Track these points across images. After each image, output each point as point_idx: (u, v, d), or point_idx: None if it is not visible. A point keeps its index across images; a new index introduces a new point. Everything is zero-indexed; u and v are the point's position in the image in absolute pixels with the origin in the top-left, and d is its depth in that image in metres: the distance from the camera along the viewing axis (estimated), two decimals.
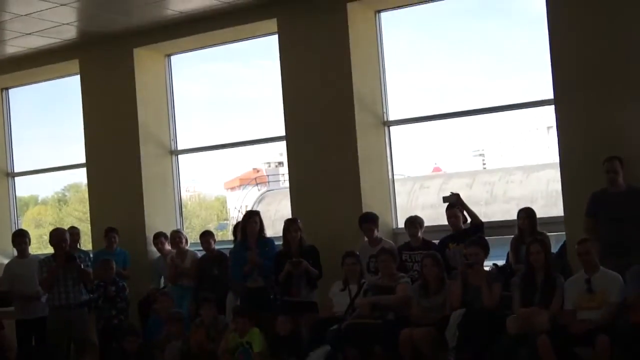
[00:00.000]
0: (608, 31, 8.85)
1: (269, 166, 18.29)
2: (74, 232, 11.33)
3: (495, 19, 11.43)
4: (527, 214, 8.94)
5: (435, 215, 11.17)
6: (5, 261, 11.16)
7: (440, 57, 11.72)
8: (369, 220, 9.66)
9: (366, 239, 9.72)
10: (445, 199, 9.40)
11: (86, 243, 12.29)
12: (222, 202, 18.65)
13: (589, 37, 8.94)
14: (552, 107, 9.34)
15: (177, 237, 10.92)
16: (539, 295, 7.86)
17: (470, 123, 11.10)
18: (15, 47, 12.43)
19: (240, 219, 10.57)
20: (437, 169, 15.00)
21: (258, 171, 18.01)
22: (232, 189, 18.29)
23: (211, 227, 15.60)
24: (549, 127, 13.64)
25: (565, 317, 7.59)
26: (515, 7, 11.16)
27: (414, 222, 9.49)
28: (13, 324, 9.81)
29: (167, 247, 11.18)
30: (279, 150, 14.38)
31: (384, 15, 10.81)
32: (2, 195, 14.07)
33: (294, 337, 8.72)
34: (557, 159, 9.35)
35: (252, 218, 9.69)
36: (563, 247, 8.94)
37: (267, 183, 17.68)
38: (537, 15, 9.41)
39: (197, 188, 17.70)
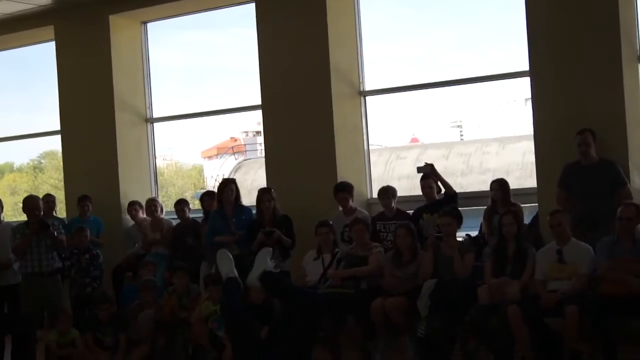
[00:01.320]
0: (583, 3, 8.84)
1: (247, 135, 18.26)
2: (50, 199, 11.29)
3: None
4: (499, 184, 8.96)
5: (411, 186, 11.21)
6: None
7: (418, 28, 11.75)
8: (344, 190, 9.66)
9: (340, 208, 9.71)
10: (419, 169, 9.41)
11: (61, 211, 12.22)
12: (199, 171, 18.62)
13: (565, 9, 8.93)
14: (528, 78, 9.34)
15: (152, 205, 10.90)
16: (510, 265, 7.89)
17: (448, 94, 11.14)
18: None
19: (216, 187, 10.53)
20: (414, 140, 15.02)
21: (235, 140, 17.98)
22: (210, 157, 18.25)
23: (188, 195, 15.58)
24: (526, 99, 13.68)
25: (535, 287, 7.63)
26: None
27: (386, 192, 9.49)
28: None
29: (141, 215, 11.15)
30: (257, 120, 14.32)
31: None
32: None
33: (266, 306, 8.71)
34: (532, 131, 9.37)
35: (228, 186, 9.65)
36: (535, 218, 8.97)
37: (244, 152, 17.65)
38: None
39: (174, 156, 17.68)
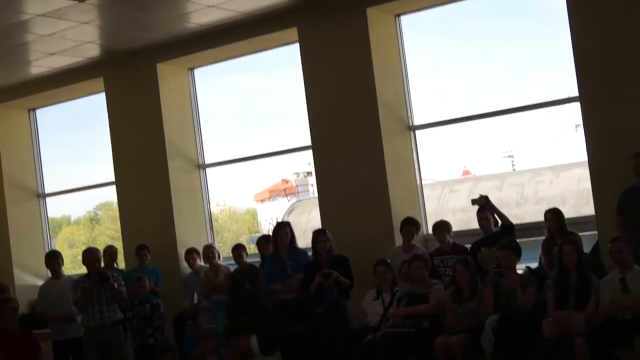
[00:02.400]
0: (630, 26, 8.76)
1: (298, 176, 18.28)
2: (112, 250, 11.40)
3: (516, 19, 11.34)
4: (553, 214, 8.86)
5: (466, 219, 11.09)
6: (40, 283, 11.18)
7: (463, 58, 11.65)
8: (411, 224, 9.66)
9: (399, 244, 9.66)
10: (474, 202, 9.33)
11: (120, 261, 12.29)
12: (253, 215, 18.64)
13: (611, 33, 8.85)
14: (578, 104, 9.25)
15: (209, 252, 10.90)
16: (573, 296, 7.75)
17: (498, 124, 11.02)
18: (40, 67, 12.52)
19: (271, 231, 10.54)
20: (466, 172, 14.90)
21: (287, 182, 18.00)
22: (262, 201, 18.28)
23: (243, 240, 15.59)
24: (577, 125, 13.51)
25: (601, 318, 7.47)
26: (536, 5, 11.07)
27: (440, 227, 9.45)
28: (50, 346, 9.82)
29: (199, 262, 11.19)
30: (307, 160, 14.35)
31: (403, 19, 10.76)
32: (34, 217, 14.15)
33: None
34: (586, 157, 9.25)
35: (282, 229, 9.65)
36: (596, 247, 8.82)
37: (296, 193, 17.66)
38: (558, 13, 9.32)
39: (227, 201, 17.73)
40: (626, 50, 8.77)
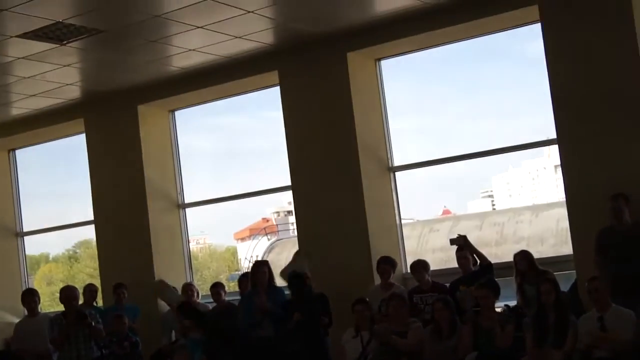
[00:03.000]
0: (606, 70, 8.90)
1: (278, 215, 18.29)
2: (92, 288, 11.38)
3: (495, 62, 11.50)
4: (523, 256, 9.03)
5: (446, 258, 11.14)
6: (17, 321, 11.12)
7: (442, 101, 11.79)
8: (387, 263, 9.70)
9: (377, 282, 9.70)
10: (452, 242, 9.40)
11: (98, 299, 12.23)
12: (233, 253, 18.62)
13: (588, 77, 9.00)
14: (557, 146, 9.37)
15: (188, 289, 10.92)
16: (552, 335, 7.79)
17: (478, 164, 11.11)
18: (20, 108, 12.57)
19: (250, 269, 10.56)
20: (446, 212, 14.98)
21: (267, 221, 18.01)
22: (243, 239, 18.26)
23: (223, 278, 15.57)
24: (556, 166, 13.64)
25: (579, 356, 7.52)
26: (514, 49, 11.24)
27: (418, 266, 9.51)
28: None
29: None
30: (288, 199, 14.39)
31: (384, 63, 10.90)
32: (12, 255, 14.11)
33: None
34: (564, 198, 9.35)
35: (260, 268, 9.66)
36: (574, 286, 8.90)
37: (276, 232, 17.66)
38: (536, 57, 9.48)
39: (207, 240, 17.72)
40: (602, 93, 8.90)
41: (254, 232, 17.83)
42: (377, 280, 9.91)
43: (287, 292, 9.69)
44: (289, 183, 11.14)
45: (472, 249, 9.31)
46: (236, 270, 17.47)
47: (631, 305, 7.63)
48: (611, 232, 8.38)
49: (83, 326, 9.13)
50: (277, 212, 18.30)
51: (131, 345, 10.00)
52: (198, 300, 10.92)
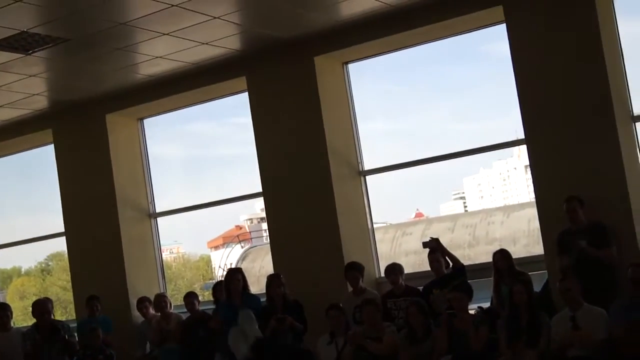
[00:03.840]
0: (573, 69, 8.94)
1: (251, 222, 18.24)
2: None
3: (461, 63, 11.53)
4: (502, 255, 8.95)
5: (419, 261, 11.15)
6: None
7: (411, 103, 11.81)
8: (355, 269, 9.64)
9: (350, 289, 9.67)
10: (425, 245, 9.38)
11: (71, 311, 12.16)
12: (207, 262, 18.56)
13: (555, 76, 9.04)
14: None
15: (162, 300, 10.83)
16: (525, 335, 7.81)
17: (449, 166, 11.13)
18: None
19: (223, 277, 10.50)
20: (419, 215, 15.00)
21: (241, 228, 17.95)
22: (216, 247, 18.20)
23: (197, 287, 15.52)
24: (526, 166, 13.69)
25: (552, 355, 7.53)
26: (481, 50, 11.28)
27: (393, 269, 9.47)
28: None
29: (152, 311, 11.09)
30: (261, 206, 14.32)
31: (351, 66, 10.89)
32: None
33: None
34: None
35: (234, 275, 9.59)
36: (546, 285, 8.92)
37: (250, 240, 17.61)
38: (504, 58, 9.50)
39: (181, 249, 17.64)
40: (569, 93, 8.94)
41: (227, 240, 17.77)
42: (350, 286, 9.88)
43: (262, 299, 9.65)
44: (260, 190, 11.09)
45: (444, 252, 9.30)
46: (210, 279, 17.41)
47: (601, 304, 7.67)
48: (569, 234, 8.45)
49: (56, 340, 9.05)
50: (250, 219, 18.24)
51: (105, 358, 9.92)
52: (171, 311, 10.84)
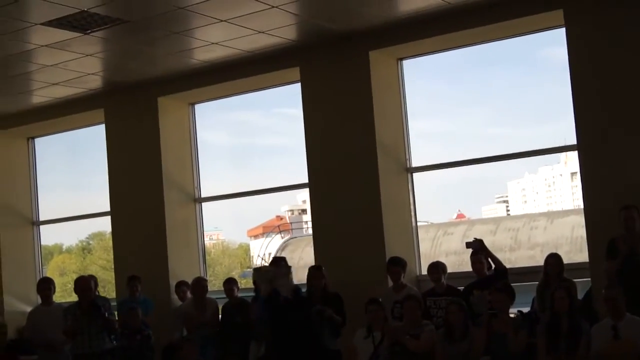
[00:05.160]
0: (631, 76, 8.87)
1: (292, 214, 18.31)
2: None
3: (516, 66, 11.49)
4: (556, 260, 8.84)
5: (459, 262, 11.14)
6: (30, 309, 11.15)
7: (462, 103, 11.78)
8: (398, 264, 9.63)
9: (390, 285, 9.68)
10: (468, 245, 9.35)
11: (110, 291, 12.29)
12: (246, 250, 18.66)
13: (612, 83, 8.98)
14: (575, 153, 9.35)
15: (200, 285, 10.82)
16: (564, 342, 7.76)
17: (494, 169, 11.10)
18: (41, 97, 12.60)
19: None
20: (460, 216, 14.97)
21: (281, 219, 18.02)
22: (256, 236, 18.28)
23: (235, 274, 15.59)
24: (572, 173, 13.59)
25: None
26: (536, 53, 11.22)
27: (437, 267, 9.44)
28: None
29: (189, 295, 11.16)
30: (302, 198, 14.39)
31: (405, 63, 10.90)
32: (27, 244, 14.16)
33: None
34: (581, 205, 9.32)
35: (278, 264, 9.66)
36: (589, 293, 8.86)
37: (290, 231, 17.67)
38: (559, 61, 9.46)
39: (220, 236, 17.74)
40: (626, 100, 8.88)
41: (267, 230, 17.85)
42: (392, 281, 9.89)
43: (302, 289, 9.68)
44: (305, 181, 11.13)
45: (487, 253, 9.26)
46: (248, 268, 17.50)
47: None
48: (621, 241, 8.35)
49: (96, 317, 9.16)
50: (291, 210, 18.31)
51: (143, 338, 10.01)
52: (207, 296, 10.93)
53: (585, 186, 9.16)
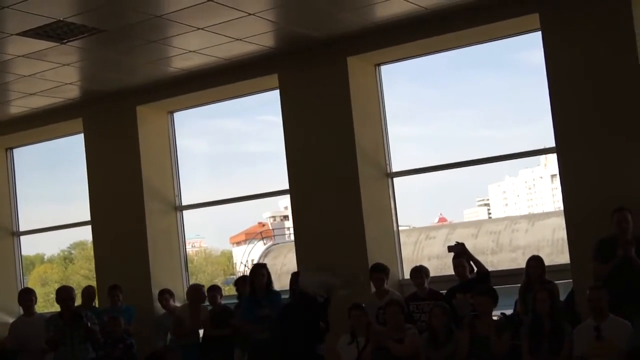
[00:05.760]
0: (607, 79, 8.92)
1: (274, 220, 18.33)
2: (91, 290, 11.36)
3: (494, 70, 11.56)
4: (538, 262, 8.88)
5: (441, 266, 11.17)
6: (11, 320, 11.08)
7: (441, 107, 11.83)
8: (381, 271, 9.63)
9: (373, 290, 9.68)
10: (450, 249, 9.37)
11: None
12: (228, 257, 18.67)
13: (589, 86, 9.01)
14: (555, 155, 9.39)
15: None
16: (547, 343, 7.80)
17: (475, 172, 11.14)
18: (18, 107, 12.52)
19: (246, 273, 10.52)
20: (442, 219, 15.01)
21: (263, 225, 18.04)
22: (238, 243, 18.30)
23: (218, 281, 15.59)
24: (552, 176, 13.64)
25: None
26: (515, 57, 11.30)
27: (419, 271, 9.45)
28: None
29: (172, 303, 11.16)
30: (284, 204, 14.38)
31: (383, 68, 10.91)
32: (8, 254, 14.06)
33: None
34: (562, 207, 9.35)
35: (259, 270, 9.67)
36: (571, 295, 8.90)
37: (272, 237, 17.69)
38: (536, 65, 9.51)
39: (203, 243, 17.75)
40: (603, 102, 8.93)
41: (249, 237, 17.86)
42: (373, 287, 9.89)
43: (284, 296, 9.68)
44: (286, 187, 11.12)
45: (469, 257, 9.28)
46: (231, 275, 17.50)
47: (628, 317, 7.63)
48: (611, 242, 8.32)
49: (79, 327, 9.12)
50: (274, 217, 18.35)
51: (125, 347, 9.97)
52: (176, 305, 10.92)
53: (565, 188, 9.18)
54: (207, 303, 10.61)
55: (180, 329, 10.32)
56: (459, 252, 9.29)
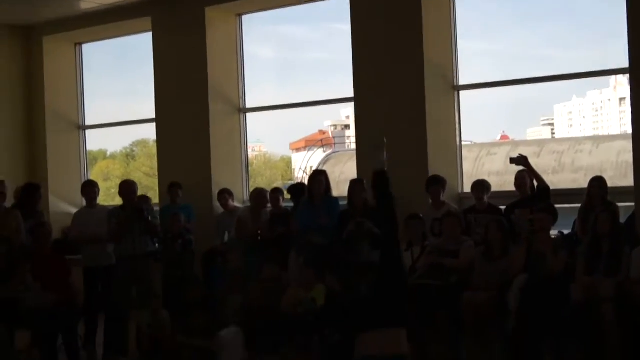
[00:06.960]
0: None
1: (335, 129, 18.34)
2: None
3: None
4: (601, 183, 8.75)
5: (501, 182, 11.12)
6: (74, 211, 11.32)
7: (512, 23, 11.63)
8: (437, 183, 9.64)
9: (430, 201, 9.70)
10: (512, 160, 9.27)
11: (154, 198, 12.41)
12: (287, 163, 18.77)
13: None
14: (626, 78, 9.18)
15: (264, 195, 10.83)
16: (604, 264, 7.78)
17: (542, 91, 10.99)
18: (89, 3, 12.58)
19: (304, 179, 10.57)
20: (504, 137, 14.89)
21: (324, 133, 18.07)
22: (298, 149, 18.38)
23: (276, 186, 15.71)
24: (621, 99, 13.39)
25: (630, 286, 7.49)
26: None
27: (482, 185, 9.42)
28: (81, 272, 9.93)
29: (231, 203, 11.30)
30: (346, 114, 14.36)
31: None
32: (74, 148, 14.31)
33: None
34: (629, 131, 9.20)
35: (318, 177, 9.70)
36: (632, 218, 8.81)
37: (332, 145, 17.71)
38: None
39: (263, 148, 17.86)
40: None
41: (310, 144, 17.90)
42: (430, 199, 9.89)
43: (342, 202, 9.73)
44: (350, 95, 11.08)
45: (531, 170, 9.20)
46: (289, 180, 17.62)
47: None
48: None
49: (140, 220, 9.31)
50: (335, 125, 18.35)
51: (184, 243, 10.17)
52: (235, 205, 10.99)
53: (635, 111, 9.01)
54: (269, 207, 10.75)
55: (243, 230, 10.45)
56: (521, 164, 9.20)
